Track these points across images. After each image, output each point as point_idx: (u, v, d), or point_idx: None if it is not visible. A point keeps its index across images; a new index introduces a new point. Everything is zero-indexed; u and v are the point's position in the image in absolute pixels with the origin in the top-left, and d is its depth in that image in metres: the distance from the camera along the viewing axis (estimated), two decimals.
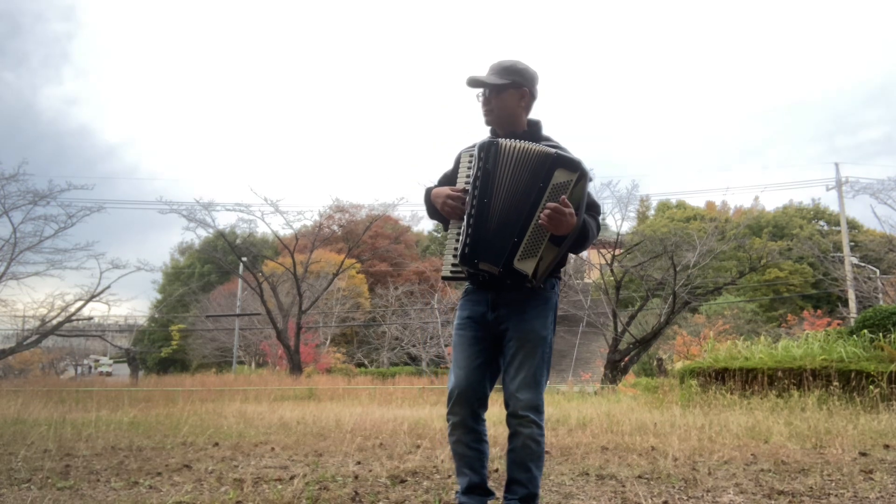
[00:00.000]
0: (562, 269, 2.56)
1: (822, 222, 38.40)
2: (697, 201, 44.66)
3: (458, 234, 2.37)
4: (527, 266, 2.31)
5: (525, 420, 2.34)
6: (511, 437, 2.39)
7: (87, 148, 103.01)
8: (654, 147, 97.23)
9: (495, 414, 2.43)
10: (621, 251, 20.19)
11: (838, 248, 25.78)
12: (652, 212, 43.89)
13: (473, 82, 2.48)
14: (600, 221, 2.45)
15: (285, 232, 25.23)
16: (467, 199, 2.34)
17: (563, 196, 2.25)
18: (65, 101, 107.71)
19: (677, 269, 18.51)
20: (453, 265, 2.39)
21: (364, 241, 29.18)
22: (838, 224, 29.29)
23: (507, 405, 2.40)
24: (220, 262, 28.03)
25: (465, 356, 2.45)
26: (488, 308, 2.45)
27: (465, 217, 2.33)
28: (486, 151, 2.32)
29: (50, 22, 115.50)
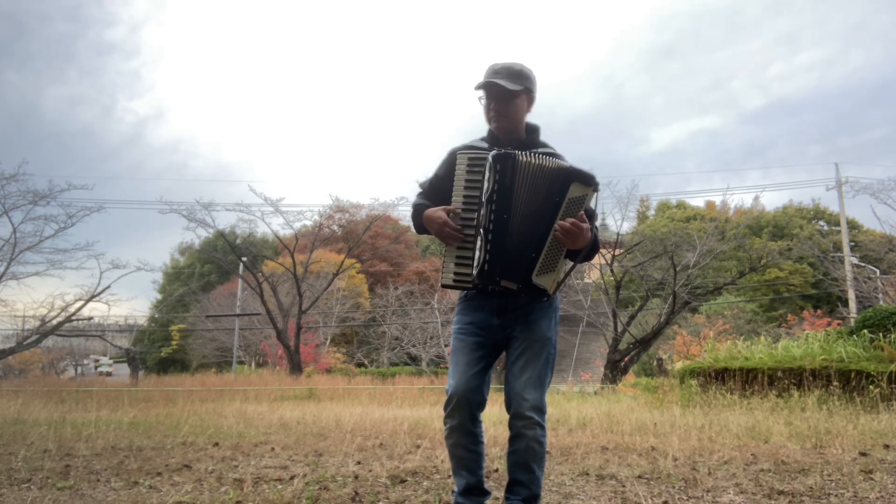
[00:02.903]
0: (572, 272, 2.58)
1: (822, 222, 38.40)
2: (697, 201, 44.72)
3: (466, 245, 2.33)
4: (545, 281, 2.33)
5: (530, 421, 2.33)
6: (514, 438, 2.37)
7: (90, 148, 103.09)
8: (654, 147, 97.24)
9: (494, 414, 2.43)
10: (621, 251, 20.18)
11: (838, 248, 25.78)
12: (652, 212, 43.89)
13: (495, 86, 2.39)
14: (597, 226, 2.47)
15: (285, 232, 25.24)
16: (482, 211, 2.28)
17: (581, 212, 2.27)
18: (68, 101, 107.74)
19: (677, 269, 18.50)
20: (457, 273, 2.35)
21: (364, 241, 29.16)
22: (838, 224, 29.28)
23: (509, 406, 2.38)
24: (220, 262, 27.99)
25: (466, 361, 2.43)
26: (493, 314, 2.43)
27: (481, 231, 2.29)
28: (504, 164, 2.26)
29: (54, 22, 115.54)
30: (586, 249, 2.35)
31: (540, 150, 2.38)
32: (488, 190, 2.28)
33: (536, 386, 2.36)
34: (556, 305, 2.50)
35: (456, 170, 2.37)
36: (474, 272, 2.31)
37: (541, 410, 2.35)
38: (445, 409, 2.44)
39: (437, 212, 2.37)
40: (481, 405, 2.46)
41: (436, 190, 2.51)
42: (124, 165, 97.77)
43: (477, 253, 2.31)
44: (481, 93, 2.45)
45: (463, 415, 2.41)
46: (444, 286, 2.46)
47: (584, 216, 2.26)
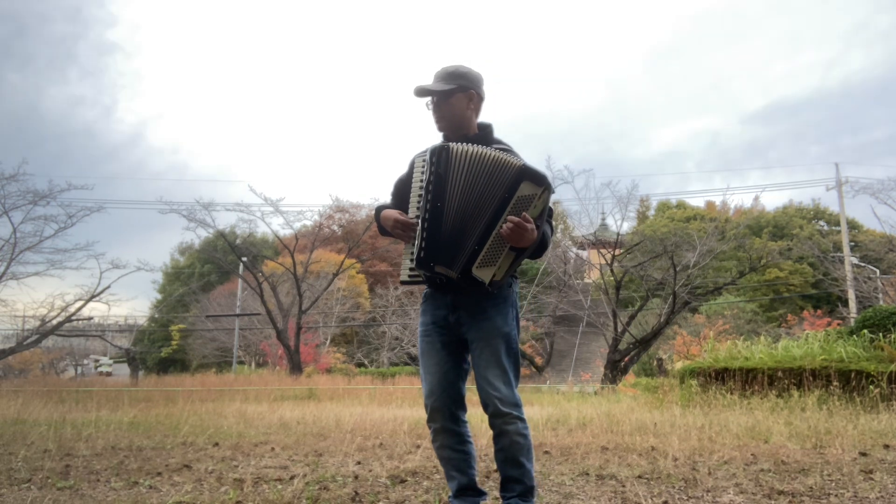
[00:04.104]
0: (517, 268, 2.59)
1: (822, 222, 38.36)
2: (697, 201, 44.71)
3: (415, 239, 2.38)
4: (484, 274, 2.33)
5: (508, 417, 2.36)
6: (497, 436, 2.40)
7: (90, 148, 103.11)
8: (654, 147, 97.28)
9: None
10: (621, 251, 20.18)
11: (838, 248, 25.79)
12: (652, 212, 43.86)
13: (421, 91, 2.48)
14: (553, 226, 2.49)
15: (285, 232, 25.25)
16: (420, 203, 2.34)
17: (525, 212, 2.27)
18: (69, 101, 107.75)
19: (677, 269, 18.50)
20: (410, 269, 2.40)
21: (364, 241, 29.15)
22: (838, 224, 29.29)
23: (485, 407, 2.40)
24: (220, 262, 28.00)
25: (433, 362, 2.46)
26: (449, 311, 2.46)
27: (419, 221, 2.33)
28: (438, 156, 2.31)
29: (55, 22, 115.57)
30: (532, 248, 2.35)
31: (494, 145, 2.41)
32: (425, 181, 2.33)
33: (505, 382, 2.38)
34: (512, 301, 2.51)
35: (413, 173, 2.45)
36: (414, 262, 2.35)
37: (516, 405, 2.38)
38: (426, 412, 2.47)
39: (392, 212, 2.45)
40: (460, 403, 2.48)
41: (400, 194, 2.57)
42: (124, 165, 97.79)
43: (416, 241, 2.34)
44: (428, 100, 2.51)
45: (444, 416, 2.44)
46: (401, 283, 2.50)
47: (529, 217, 2.26)
